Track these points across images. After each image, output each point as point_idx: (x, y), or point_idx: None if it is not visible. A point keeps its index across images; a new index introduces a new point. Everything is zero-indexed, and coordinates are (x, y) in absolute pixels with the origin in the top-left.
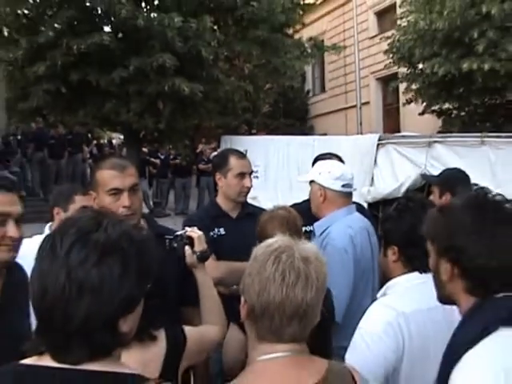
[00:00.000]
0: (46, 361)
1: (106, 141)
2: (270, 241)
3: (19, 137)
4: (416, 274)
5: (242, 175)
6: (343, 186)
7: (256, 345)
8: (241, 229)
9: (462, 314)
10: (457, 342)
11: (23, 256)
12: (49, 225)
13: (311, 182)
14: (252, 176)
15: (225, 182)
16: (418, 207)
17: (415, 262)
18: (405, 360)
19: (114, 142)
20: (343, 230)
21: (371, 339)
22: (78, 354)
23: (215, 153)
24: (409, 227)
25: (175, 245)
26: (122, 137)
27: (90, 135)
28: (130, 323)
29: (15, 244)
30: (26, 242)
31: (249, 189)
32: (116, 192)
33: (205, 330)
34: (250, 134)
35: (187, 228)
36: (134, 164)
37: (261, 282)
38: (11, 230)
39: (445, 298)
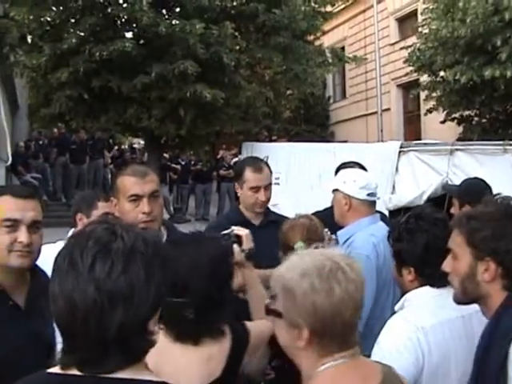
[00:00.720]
0: (74, 371)
1: (127, 146)
2: (319, 266)
3: (41, 142)
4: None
5: (256, 189)
6: (368, 194)
7: (320, 360)
8: (263, 236)
9: (495, 309)
10: (496, 333)
11: (45, 261)
12: (72, 230)
13: (335, 190)
14: (273, 183)
15: (242, 193)
16: (431, 224)
17: (433, 279)
18: (424, 374)
19: (135, 147)
20: (367, 238)
21: (391, 355)
22: (113, 363)
23: (236, 159)
24: (424, 248)
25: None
26: (142, 142)
27: (111, 141)
28: (154, 321)
29: (30, 250)
30: (48, 247)
31: (263, 202)
32: (136, 198)
33: (261, 325)
34: (271, 140)
35: (233, 227)
36: (156, 170)
37: (333, 308)
38: (22, 236)
39: (471, 298)
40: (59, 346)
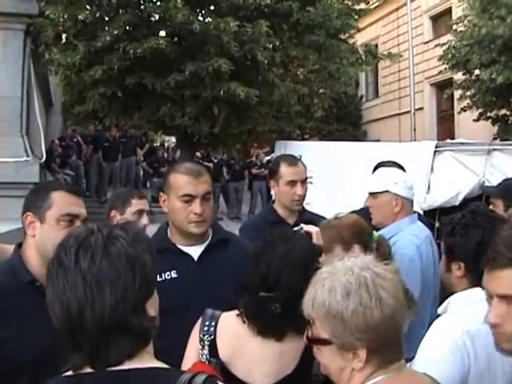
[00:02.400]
0: (86, 369)
1: (158, 144)
2: (345, 269)
3: (75, 139)
4: (479, 289)
5: (292, 183)
6: (412, 194)
7: (365, 373)
8: None
9: None
10: None
11: None
12: None
13: (384, 191)
14: (307, 182)
15: (278, 190)
16: (486, 222)
17: (481, 277)
18: (470, 380)
19: (166, 144)
20: (410, 239)
21: (436, 360)
22: (119, 351)
23: (268, 157)
24: (478, 244)
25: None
26: (174, 140)
27: (143, 138)
28: (153, 306)
29: None
30: None
31: (301, 196)
32: (189, 198)
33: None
34: (303, 138)
35: (302, 224)
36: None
37: (386, 316)
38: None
39: None
40: None
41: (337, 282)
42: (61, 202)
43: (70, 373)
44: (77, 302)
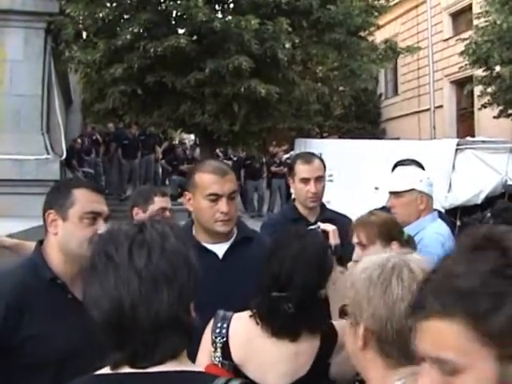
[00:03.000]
0: (124, 369)
1: (177, 142)
2: (379, 259)
3: (94, 137)
4: None
5: (305, 180)
6: (432, 191)
7: (386, 372)
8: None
9: None
10: None
11: None
12: None
13: (410, 190)
14: (326, 179)
15: (294, 187)
16: None
17: None
18: None
19: (185, 142)
20: (435, 237)
21: None
22: (164, 352)
23: (287, 155)
24: None
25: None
26: (192, 137)
27: (162, 136)
28: (192, 305)
29: None
30: None
31: (314, 194)
32: (215, 198)
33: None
34: (322, 137)
35: (319, 223)
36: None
37: (388, 306)
38: (102, 228)
39: None
40: None
41: (369, 258)
42: (83, 199)
43: (106, 371)
44: (130, 299)
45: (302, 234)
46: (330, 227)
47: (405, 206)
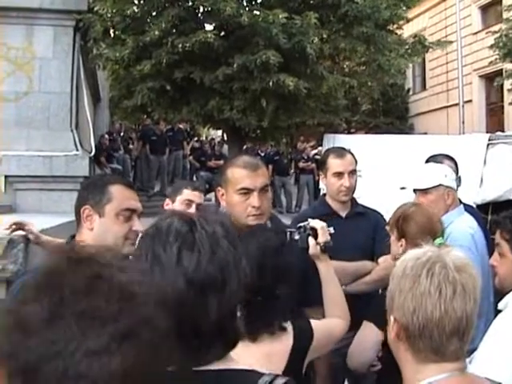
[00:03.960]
0: None
1: (205, 138)
2: (418, 252)
3: (122, 133)
4: None
5: (339, 174)
6: (457, 185)
7: (417, 367)
8: (350, 228)
9: None
10: None
11: None
12: None
13: (437, 186)
14: (357, 175)
15: (326, 182)
16: None
17: None
18: None
19: (213, 138)
20: (464, 230)
21: (498, 360)
22: (211, 354)
23: (315, 151)
24: None
25: (297, 237)
26: (219, 133)
27: (190, 132)
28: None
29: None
30: None
31: (348, 188)
32: (246, 192)
33: (330, 324)
34: (349, 132)
35: (310, 219)
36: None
37: (415, 299)
38: (137, 224)
39: None
40: None
41: (418, 262)
42: (120, 196)
43: None
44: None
45: (253, 233)
46: (318, 224)
47: (433, 203)
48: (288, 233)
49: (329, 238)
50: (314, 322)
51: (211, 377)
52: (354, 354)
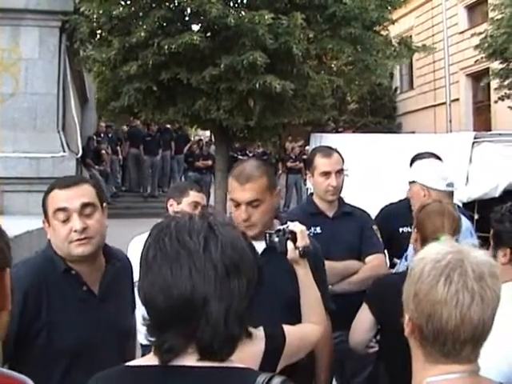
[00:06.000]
0: (153, 361)
1: (194, 138)
2: (437, 252)
3: (110, 135)
4: None
5: (326, 174)
6: (447, 185)
7: (427, 365)
8: (337, 228)
9: None
10: None
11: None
12: None
13: (412, 182)
14: (344, 174)
15: (313, 181)
16: None
17: None
18: None
19: (201, 138)
20: (465, 227)
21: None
22: (230, 347)
23: (302, 149)
24: None
25: (276, 239)
26: (207, 134)
27: (178, 132)
28: None
29: (87, 236)
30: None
31: (335, 187)
32: (237, 204)
33: (305, 329)
34: (337, 131)
35: (289, 222)
36: (224, 162)
37: (431, 305)
38: (75, 223)
39: None
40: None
41: (437, 266)
42: (51, 200)
43: (152, 362)
44: (204, 290)
45: None
46: (298, 227)
47: (413, 197)
48: (267, 235)
49: (308, 242)
50: (286, 327)
51: (208, 374)
52: (352, 333)
